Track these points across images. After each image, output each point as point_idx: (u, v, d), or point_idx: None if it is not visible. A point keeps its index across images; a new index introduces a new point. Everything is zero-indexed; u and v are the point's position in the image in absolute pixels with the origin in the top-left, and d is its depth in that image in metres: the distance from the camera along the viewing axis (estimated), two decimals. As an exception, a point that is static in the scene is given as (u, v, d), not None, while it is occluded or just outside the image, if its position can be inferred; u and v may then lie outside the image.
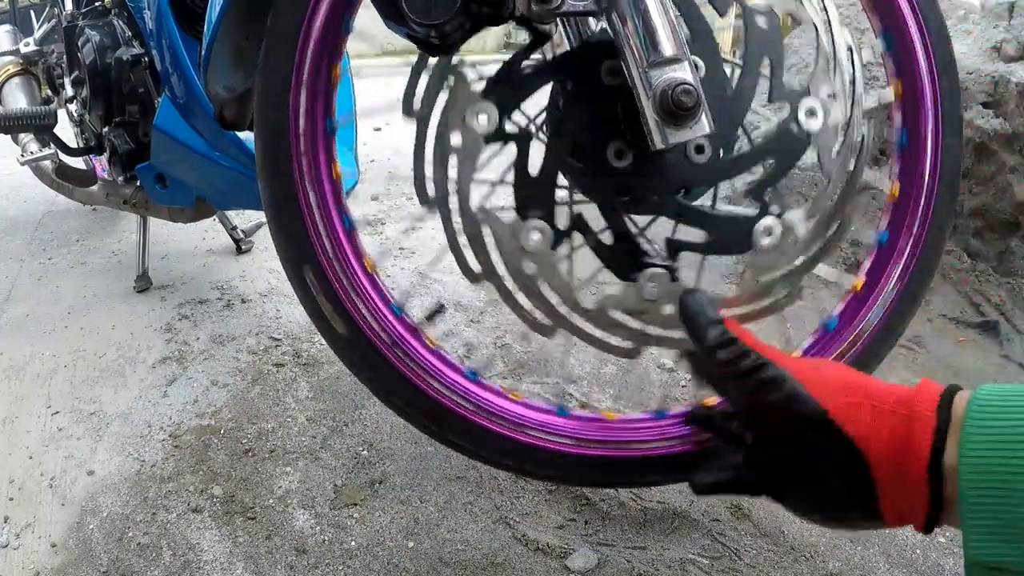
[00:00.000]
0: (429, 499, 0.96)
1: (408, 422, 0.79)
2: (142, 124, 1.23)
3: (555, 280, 0.70)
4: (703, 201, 0.75)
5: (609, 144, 0.70)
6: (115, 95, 1.22)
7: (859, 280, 0.82)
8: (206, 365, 1.26)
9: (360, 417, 1.12)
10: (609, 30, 0.66)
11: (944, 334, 1.38)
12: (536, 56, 0.71)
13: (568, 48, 0.81)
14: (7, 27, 1.82)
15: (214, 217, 1.56)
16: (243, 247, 1.71)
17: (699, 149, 0.70)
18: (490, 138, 0.68)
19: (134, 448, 1.06)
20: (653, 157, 0.69)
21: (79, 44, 1.27)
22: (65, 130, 1.55)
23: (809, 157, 0.72)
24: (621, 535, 0.91)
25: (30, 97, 1.65)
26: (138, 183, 1.31)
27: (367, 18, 0.74)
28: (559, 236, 0.70)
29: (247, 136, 1.02)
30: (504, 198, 0.72)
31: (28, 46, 1.70)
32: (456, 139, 0.67)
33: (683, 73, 0.63)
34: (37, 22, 1.79)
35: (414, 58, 0.70)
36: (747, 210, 0.72)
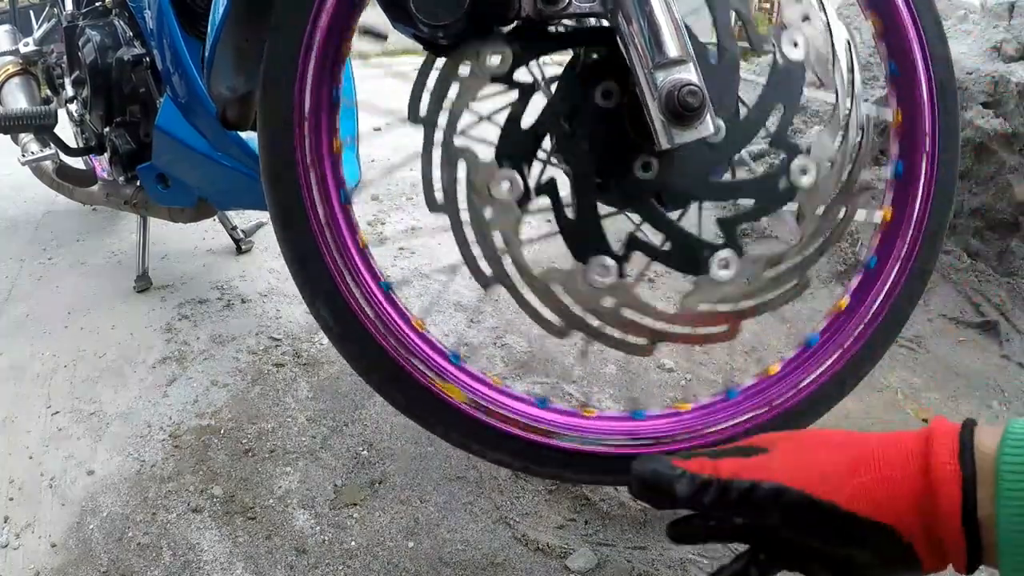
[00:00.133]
0: (429, 499, 0.96)
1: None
2: (143, 124, 1.23)
3: (571, 285, 0.70)
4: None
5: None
6: (116, 95, 1.22)
7: (844, 300, 0.83)
8: (206, 365, 1.26)
9: (360, 417, 1.12)
10: (614, 31, 0.66)
11: (944, 334, 1.38)
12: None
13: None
14: (7, 27, 1.82)
15: (214, 217, 1.56)
16: (243, 247, 1.71)
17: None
18: (522, 201, 0.69)
19: (134, 448, 1.06)
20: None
21: (80, 44, 1.27)
22: (65, 130, 1.55)
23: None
24: (621, 535, 0.91)
25: (30, 97, 1.65)
26: (139, 183, 1.31)
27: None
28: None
29: (249, 136, 1.02)
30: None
31: (28, 46, 1.70)
32: (490, 215, 0.68)
33: (688, 74, 0.64)
34: (37, 22, 1.79)
35: (417, 62, 0.70)
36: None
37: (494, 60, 0.67)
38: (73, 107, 1.51)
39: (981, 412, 1.17)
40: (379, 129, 2.51)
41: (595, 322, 0.72)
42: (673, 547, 0.88)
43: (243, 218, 1.78)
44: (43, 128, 1.42)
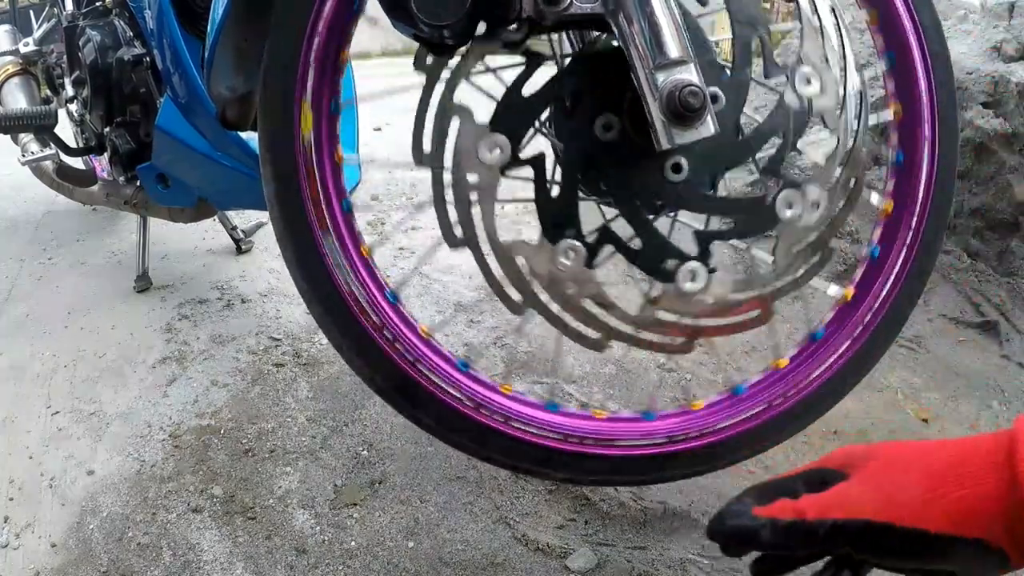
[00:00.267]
0: (429, 499, 0.96)
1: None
2: (143, 124, 1.23)
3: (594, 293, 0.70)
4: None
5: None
6: (116, 95, 1.22)
7: (849, 290, 0.83)
8: (206, 365, 1.26)
9: (360, 417, 1.12)
10: (615, 31, 0.66)
11: (944, 334, 1.38)
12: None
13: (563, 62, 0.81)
14: (7, 27, 1.82)
15: (214, 217, 1.56)
16: (243, 247, 1.71)
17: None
18: (506, 168, 0.68)
19: (134, 448, 1.06)
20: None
21: (80, 44, 1.27)
22: (65, 130, 1.55)
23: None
24: (621, 535, 0.91)
25: (30, 97, 1.65)
26: (139, 183, 1.31)
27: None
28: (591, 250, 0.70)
29: (249, 136, 1.02)
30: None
31: (28, 46, 1.70)
32: (473, 178, 0.68)
33: (689, 75, 0.64)
34: (37, 22, 1.79)
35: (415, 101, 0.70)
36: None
37: (494, 154, 0.67)
38: (73, 107, 1.51)
39: (981, 412, 1.17)
40: (379, 129, 2.51)
41: (554, 306, 0.72)
42: (673, 547, 0.88)
43: (243, 218, 1.78)
44: (43, 128, 1.42)
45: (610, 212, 0.74)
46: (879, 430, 1.11)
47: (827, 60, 0.70)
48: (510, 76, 0.71)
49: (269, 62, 0.71)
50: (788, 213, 0.71)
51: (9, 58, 1.69)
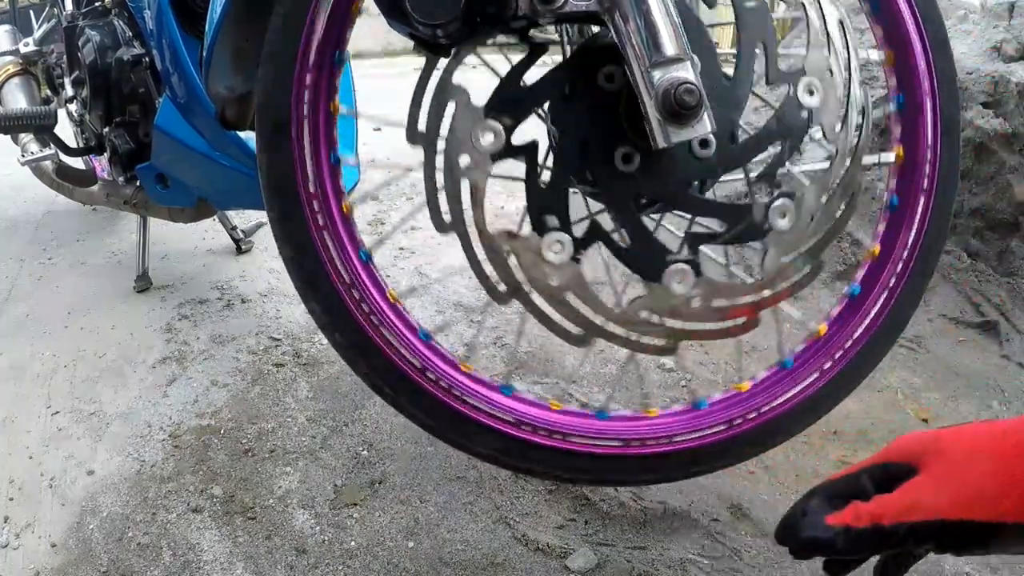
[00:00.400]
0: (429, 499, 0.96)
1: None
2: (143, 124, 1.23)
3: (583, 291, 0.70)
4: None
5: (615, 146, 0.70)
6: (115, 95, 1.22)
7: (823, 326, 0.83)
8: (206, 365, 1.26)
9: (360, 417, 1.12)
10: (611, 30, 0.66)
11: (944, 334, 1.38)
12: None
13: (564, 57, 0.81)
14: (7, 27, 1.82)
15: (214, 217, 1.56)
16: (243, 247, 1.71)
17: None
18: (498, 155, 0.68)
19: (134, 448, 1.06)
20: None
21: (79, 44, 1.27)
22: (65, 130, 1.55)
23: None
24: (621, 535, 0.91)
25: (30, 97, 1.65)
26: (138, 183, 1.31)
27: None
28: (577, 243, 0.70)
29: (248, 136, 1.02)
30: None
31: (28, 46, 1.70)
32: (465, 160, 0.67)
33: (685, 72, 0.64)
34: (37, 22, 1.79)
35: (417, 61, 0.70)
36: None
37: (488, 139, 0.67)
38: (73, 107, 1.51)
39: (981, 412, 1.17)
40: (379, 129, 2.51)
41: (537, 299, 0.71)
42: (673, 547, 0.88)
43: (243, 218, 1.78)
44: (43, 128, 1.42)
45: (596, 205, 0.74)
46: (879, 430, 1.11)
47: (831, 72, 0.70)
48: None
49: (267, 61, 0.71)
50: (781, 223, 0.71)
51: (9, 58, 1.69)
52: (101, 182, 1.47)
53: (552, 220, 0.69)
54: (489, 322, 1.38)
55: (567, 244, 0.69)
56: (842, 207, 0.73)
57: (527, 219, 0.71)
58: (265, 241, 1.74)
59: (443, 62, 0.69)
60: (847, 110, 0.71)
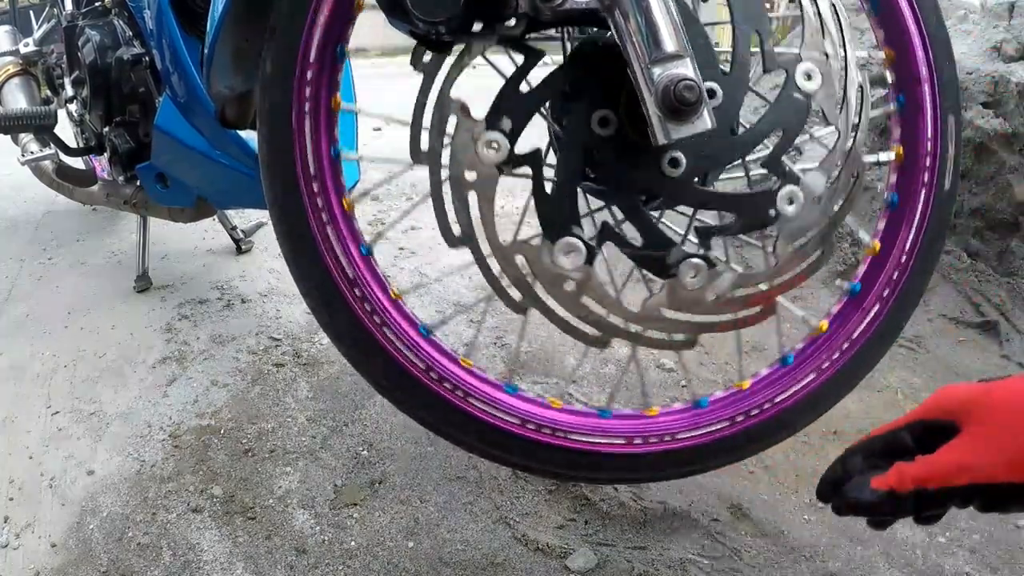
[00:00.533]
0: (429, 499, 0.96)
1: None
2: (143, 124, 1.23)
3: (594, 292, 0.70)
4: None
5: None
6: (115, 95, 1.22)
7: (824, 322, 0.83)
8: (206, 365, 1.26)
9: (360, 417, 1.12)
10: (611, 26, 0.66)
11: (944, 334, 1.38)
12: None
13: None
14: (7, 27, 1.82)
15: (214, 217, 1.56)
16: (243, 247, 1.71)
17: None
18: (503, 166, 0.68)
19: (134, 448, 1.06)
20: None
21: (79, 44, 1.27)
22: (65, 130, 1.55)
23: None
24: (621, 535, 0.91)
25: (30, 97, 1.65)
26: (138, 183, 1.31)
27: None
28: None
29: (248, 135, 1.02)
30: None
31: (28, 46, 1.70)
32: (471, 175, 0.67)
33: (685, 69, 0.64)
34: (37, 22, 1.79)
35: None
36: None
37: (491, 151, 0.67)
38: (73, 107, 1.51)
39: (981, 412, 1.17)
40: (379, 129, 2.51)
41: (551, 302, 0.72)
42: (673, 547, 0.88)
43: (243, 218, 1.79)
44: (43, 128, 1.42)
45: (601, 205, 0.74)
46: (879, 430, 1.11)
47: (828, 56, 0.70)
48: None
49: (267, 61, 0.71)
50: (789, 209, 0.71)
51: (9, 58, 1.69)
52: (101, 182, 1.47)
53: (564, 225, 0.70)
54: (489, 322, 1.38)
55: (580, 248, 0.69)
56: (847, 187, 0.73)
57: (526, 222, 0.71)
58: (265, 241, 1.74)
59: (439, 79, 0.69)
60: (845, 91, 0.71)
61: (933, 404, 0.58)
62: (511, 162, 0.68)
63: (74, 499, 0.97)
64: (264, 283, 1.56)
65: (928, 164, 0.81)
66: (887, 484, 0.55)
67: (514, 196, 1.78)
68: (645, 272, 0.74)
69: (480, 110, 0.69)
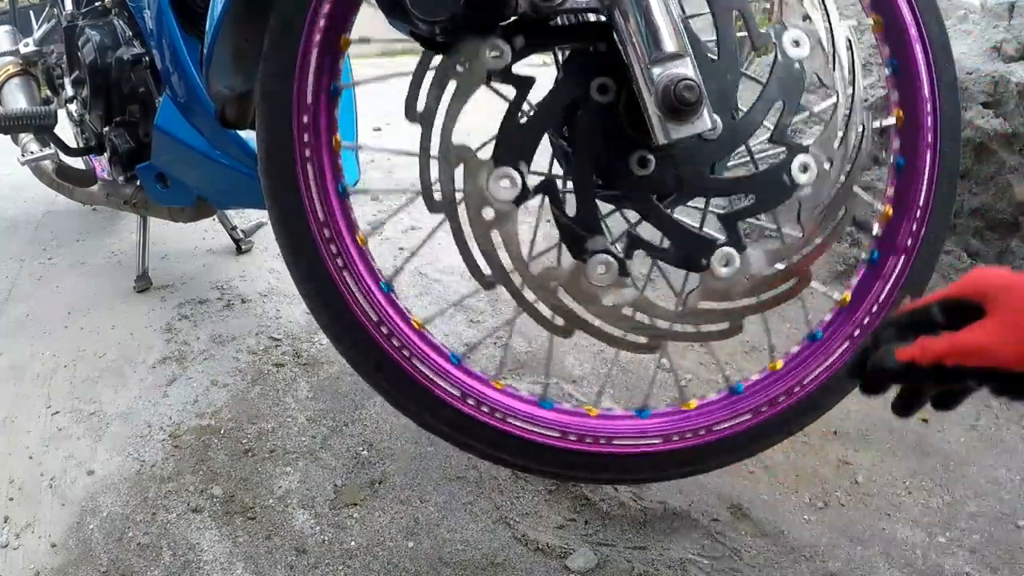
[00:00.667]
0: (429, 499, 0.96)
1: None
2: (143, 124, 1.23)
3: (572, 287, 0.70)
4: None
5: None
6: (115, 95, 1.22)
7: (847, 294, 0.84)
8: (206, 365, 1.26)
9: (360, 417, 1.12)
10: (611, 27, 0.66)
11: (944, 334, 1.38)
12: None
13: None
14: (7, 27, 1.82)
15: (214, 217, 1.56)
16: (243, 247, 1.71)
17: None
18: (521, 199, 0.68)
19: (134, 448, 1.06)
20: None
21: (79, 44, 1.26)
22: (65, 130, 1.55)
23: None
24: (621, 535, 0.91)
25: (30, 97, 1.65)
26: (138, 183, 1.31)
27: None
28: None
29: (248, 135, 1.02)
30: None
31: (28, 46, 1.70)
32: (489, 213, 0.68)
33: (685, 69, 0.64)
34: (37, 22, 1.79)
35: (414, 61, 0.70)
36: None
37: (492, 56, 0.67)
38: (73, 107, 1.51)
39: (981, 412, 1.17)
40: (379, 129, 2.51)
41: (596, 321, 0.72)
42: (673, 547, 0.88)
43: (243, 218, 1.78)
44: (43, 128, 1.42)
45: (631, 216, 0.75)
46: (879, 430, 1.11)
47: (808, 17, 0.71)
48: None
49: (268, 61, 0.71)
50: (804, 177, 0.71)
51: (9, 58, 1.69)
52: (101, 182, 1.47)
53: (591, 243, 0.70)
54: (488, 322, 1.38)
55: (611, 263, 0.69)
56: (855, 145, 0.73)
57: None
58: (265, 241, 1.74)
59: (437, 129, 0.69)
60: (835, 50, 0.71)
61: (967, 283, 0.59)
62: (526, 194, 0.69)
63: (74, 499, 0.97)
64: (264, 283, 1.56)
65: (930, 123, 0.81)
66: (910, 355, 0.56)
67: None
68: (668, 270, 0.75)
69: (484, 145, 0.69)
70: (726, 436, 0.80)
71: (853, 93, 0.72)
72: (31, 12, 1.91)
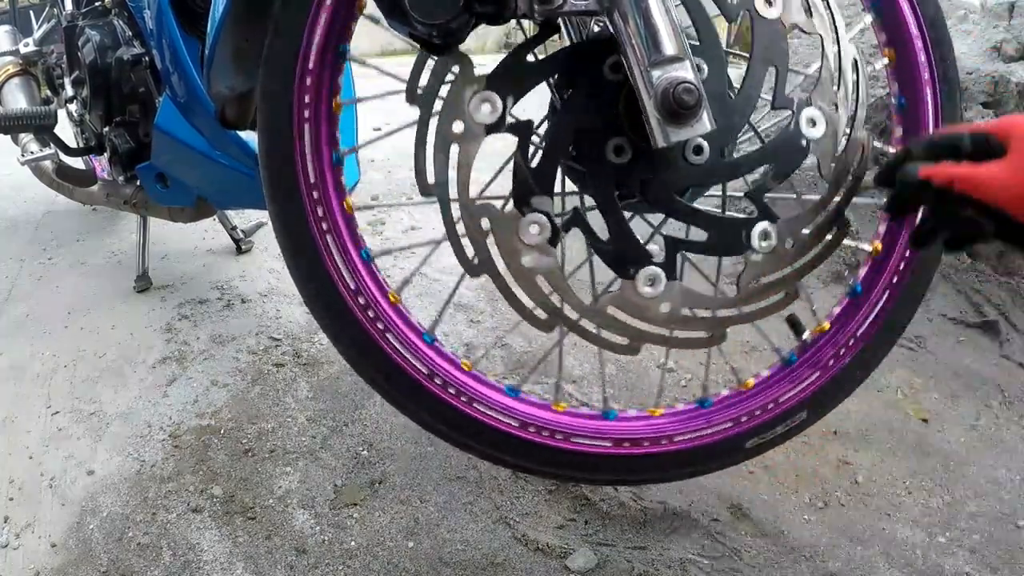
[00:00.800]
0: (429, 499, 0.96)
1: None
2: (143, 124, 1.23)
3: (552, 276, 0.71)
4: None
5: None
6: (115, 95, 1.22)
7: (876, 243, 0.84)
8: (206, 365, 1.26)
9: (360, 417, 1.12)
10: (611, 29, 0.66)
11: (944, 334, 1.38)
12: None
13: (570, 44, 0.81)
14: (7, 27, 1.82)
15: (214, 217, 1.56)
16: (243, 247, 1.71)
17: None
18: (492, 128, 0.68)
19: (134, 448, 1.06)
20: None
21: (79, 44, 1.26)
22: (65, 130, 1.55)
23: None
24: (621, 535, 0.91)
25: (30, 97, 1.65)
26: (138, 183, 1.31)
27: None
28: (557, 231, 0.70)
29: (248, 135, 1.02)
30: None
31: (28, 46, 1.70)
32: (458, 127, 0.67)
33: (684, 72, 0.64)
34: (37, 22, 1.79)
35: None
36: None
37: (484, 110, 0.67)
38: (73, 107, 1.51)
39: (981, 412, 1.17)
40: (379, 129, 2.51)
41: (658, 330, 0.73)
42: (673, 547, 0.88)
43: (243, 218, 1.78)
44: (43, 128, 1.42)
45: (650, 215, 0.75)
46: (879, 430, 1.11)
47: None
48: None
49: (268, 60, 0.71)
50: (815, 131, 0.72)
51: (9, 58, 1.69)
52: (101, 182, 1.47)
53: (632, 259, 0.70)
54: (488, 322, 1.38)
55: (658, 274, 0.70)
56: (853, 84, 0.74)
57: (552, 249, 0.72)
58: (265, 241, 1.74)
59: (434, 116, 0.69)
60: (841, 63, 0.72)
61: (1001, 122, 0.60)
62: (558, 233, 0.69)
63: (74, 499, 0.97)
64: (264, 283, 1.56)
65: (924, 59, 0.82)
66: (928, 173, 0.59)
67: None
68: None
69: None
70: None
71: (836, 33, 0.72)
72: (31, 12, 1.91)
